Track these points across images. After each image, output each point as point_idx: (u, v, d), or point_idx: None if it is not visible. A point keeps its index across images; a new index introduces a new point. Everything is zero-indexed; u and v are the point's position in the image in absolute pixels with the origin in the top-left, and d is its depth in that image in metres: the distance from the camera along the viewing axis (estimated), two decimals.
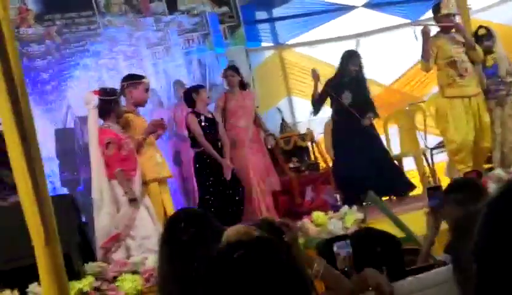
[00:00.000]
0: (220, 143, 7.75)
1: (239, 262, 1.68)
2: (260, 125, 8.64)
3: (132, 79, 6.46)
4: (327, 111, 10.08)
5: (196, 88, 7.91)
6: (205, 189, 7.53)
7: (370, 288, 2.95)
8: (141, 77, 6.52)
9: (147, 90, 6.46)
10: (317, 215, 6.51)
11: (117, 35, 9.46)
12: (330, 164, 9.52)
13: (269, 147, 8.68)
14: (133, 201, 6.04)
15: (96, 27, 9.35)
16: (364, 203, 7.66)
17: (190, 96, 7.72)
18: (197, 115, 7.59)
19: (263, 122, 8.82)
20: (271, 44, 11.43)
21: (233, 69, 8.58)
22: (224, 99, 8.38)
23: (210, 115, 7.76)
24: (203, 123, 7.59)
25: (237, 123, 8.34)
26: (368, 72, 11.42)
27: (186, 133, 8.23)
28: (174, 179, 7.84)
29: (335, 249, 3.39)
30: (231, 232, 2.47)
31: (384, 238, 3.41)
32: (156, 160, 6.37)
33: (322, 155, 9.84)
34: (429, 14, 8.95)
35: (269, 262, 1.69)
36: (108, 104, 6.01)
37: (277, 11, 11.38)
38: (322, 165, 9.83)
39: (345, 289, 3.03)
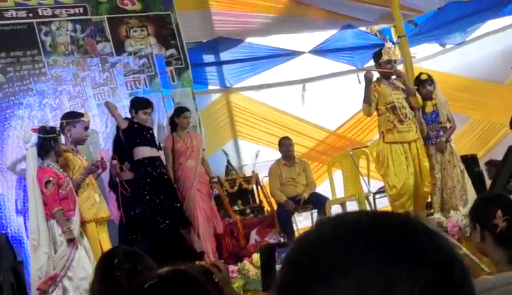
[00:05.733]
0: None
1: (150, 291, 1.68)
2: (206, 168, 8.69)
3: (71, 117, 6.42)
4: (271, 154, 10.18)
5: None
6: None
7: None
8: (80, 115, 6.48)
9: (86, 128, 6.42)
10: (258, 257, 6.49)
11: (63, 74, 9.39)
12: (275, 207, 9.56)
13: (214, 193, 8.70)
14: (71, 241, 5.95)
15: (41, 67, 9.28)
16: None
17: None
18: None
19: (209, 166, 8.85)
20: (218, 87, 11.49)
21: (189, 110, 8.69)
22: (172, 141, 8.43)
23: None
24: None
25: (186, 164, 8.41)
26: (314, 117, 11.66)
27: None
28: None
29: (276, 254, 3.40)
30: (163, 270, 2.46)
31: None
32: (94, 200, 6.31)
33: (267, 198, 9.86)
34: None
35: (182, 291, 1.69)
36: (47, 142, 5.95)
37: (224, 55, 11.48)
38: (267, 208, 9.86)
39: None
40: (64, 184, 6.01)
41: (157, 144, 8.05)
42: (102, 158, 6.34)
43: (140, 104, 7.96)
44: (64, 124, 6.38)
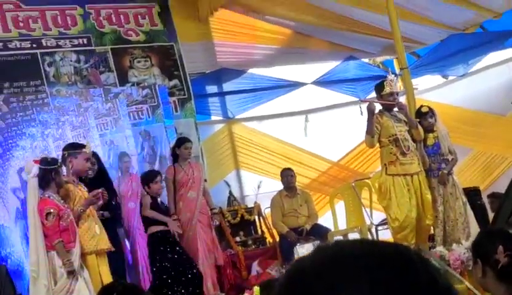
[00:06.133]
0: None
1: None
2: (207, 199, 8.69)
3: (73, 148, 6.42)
4: (273, 185, 10.16)
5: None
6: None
7: None
8: (81, 146, 6.48)
9: (87, 159, 6.41)
10: (258, 289, 6.45)
11: (65, 105, 9.44)
12: (277, 238, 9.53)
13: (214, 224, 8.67)
14: (71, 273, 5.93)
15: (44, 97, 9.33)
16: None
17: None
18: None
19: (210, 197, 8.84)
20: (221, 118, 11.51)
21: (191, 141, 8.71)
22: (173, 172, 8.45)
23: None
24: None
25: (187, 194, 8.42)
26: (316, 148, 11.65)
27: (131, 204, 8.31)
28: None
29: None
30: None
31: None
32: (95, 232, 6.29)
33: (269, 230, 9.85)
34: None
35: None
36: (48, 173, 5.95)
37: (227, 86, 11.51)
38: (269, 239, 9.83)
39: None
40: (65, 216, 5.99)
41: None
42: (103, 190, 6.32)
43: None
44: (66, 155, 6.38)
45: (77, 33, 10.01)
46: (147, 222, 8.04)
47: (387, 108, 7.80)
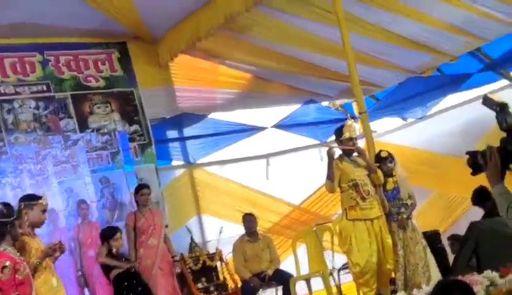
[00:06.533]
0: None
1: None
2: (168, 246, 8.63)
3: (29, 200, 6.32)
4: (235, 230, 10.13)
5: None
6: None
7: None
8: (37, 198, 6.37)
9: (44, 211, 6.30)
10: None
11: (24, 152, 9.33)
12: (239, 284, 9.47)
13: (176, 272, 8.61)
14: None
15: (2, 145, 9.22)
16: None
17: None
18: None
19: (172, 244, 8.78)
20: (182, 163, 11.47)
21: (148, 187, 8.66)
22: (134, 218, 8.41)
23: None
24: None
25: (147, 242, 8.40)
26: (278, 192, 11.67)
27: (91, 252, 8.24)
28: None
29: None
30: None
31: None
32: (51, 284, 6.16)
33: (231, 275, 9.79)
34: None
35: None
36: (4, 226, 5.83)
37: (188, 131, 11.49)
38: (231, 285, 9.77)
39: None
40: (21, 269, 5.85)
41: None
42: (60, 242, 6.22)
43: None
44: (22, 207, 6.27)
45: (36, 80, 9.95)
46: (107, 268, 7.94)
47: (346, 153, 7.84)
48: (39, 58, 10.02)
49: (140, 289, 7.78)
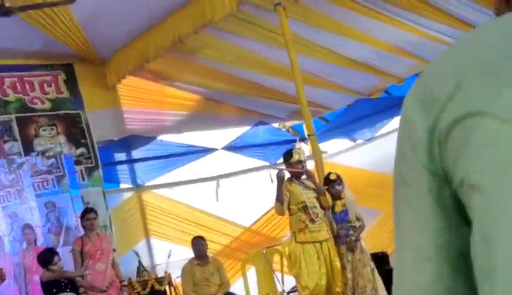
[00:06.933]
0: None
1: None
2: (116, 271, 8.54)
3: None
4: (185, 253, 10.02)
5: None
6: None
7: None
8: None
9: None
10: None
11: None
12: None
13: None
14: None
15: None
16: None
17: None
18: None
19: (119, 268, 8.68)
20: (130, 185, 11.32)
21: (94, 211, 8.57)
22: (81, 243, 8.33)
23: None
24: None
25: (95, 266, 8.33)
26: (228, 214, 11.59)
27: (36, 278, 8.08)
28: None
29: None
30: None
31: None
32: None
33: None
34: None
35: None
36: None
37: (136, 153, 11.36)
38: None
39: None
40: None
41: None
42: (1, 270, 6.07)
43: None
44: None
45: None
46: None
47: (296, 175, 7.84)
48: None
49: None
